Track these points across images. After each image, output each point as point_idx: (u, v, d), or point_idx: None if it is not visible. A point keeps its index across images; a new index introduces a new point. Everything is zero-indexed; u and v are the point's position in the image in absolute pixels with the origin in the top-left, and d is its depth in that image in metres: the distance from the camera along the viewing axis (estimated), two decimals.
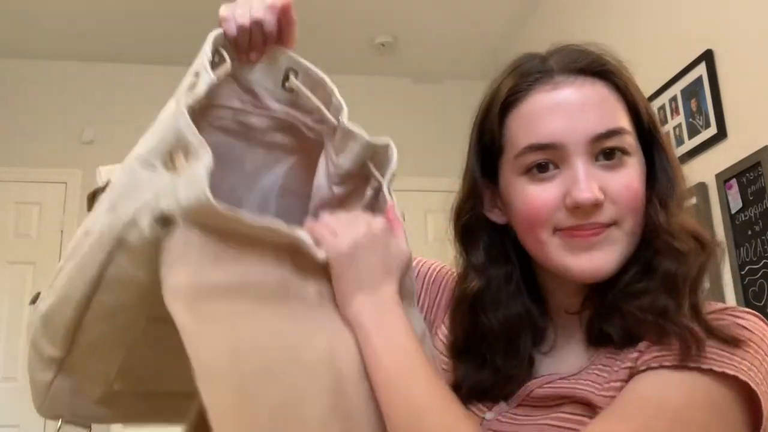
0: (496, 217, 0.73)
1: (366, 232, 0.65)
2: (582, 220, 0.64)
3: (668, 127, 2.48)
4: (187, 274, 0.56)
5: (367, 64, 4.25)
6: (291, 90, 0.72)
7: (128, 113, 4.16)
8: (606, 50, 0.71)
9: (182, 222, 0.58)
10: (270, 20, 0.69)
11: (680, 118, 2.42)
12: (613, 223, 0.64)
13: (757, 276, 1.99)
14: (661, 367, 0.58)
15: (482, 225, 0.74)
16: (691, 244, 0.64)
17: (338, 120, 0.70)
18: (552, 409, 0.65)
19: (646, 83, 2.67)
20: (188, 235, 0.58)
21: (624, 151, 0.65)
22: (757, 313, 0.63)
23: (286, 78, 0.72)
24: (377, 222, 0.67)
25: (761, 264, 1.97)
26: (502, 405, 0.69)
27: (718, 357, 0.57)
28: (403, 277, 0.67)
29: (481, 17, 3.75)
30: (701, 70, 2.29)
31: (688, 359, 0.58)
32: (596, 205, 0.63)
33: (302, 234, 0.62)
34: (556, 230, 0.65)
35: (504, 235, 0.73)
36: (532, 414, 0.66)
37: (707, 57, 2.27)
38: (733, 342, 0.58)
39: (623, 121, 0.66)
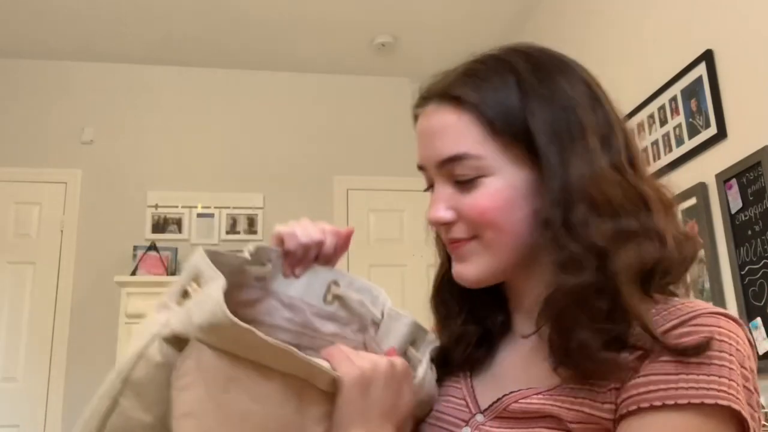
0: None
1: (386, 366, 0.65)
2: (446, 235, 0.72)
3: (668, 127, 2.48)
4: (196, 397, 0.56)
5: (367, 64, 4.25)
6: (332, 301, 0.75)
7: (128, 113, 4.18)
8: (475, 61, 0.72)
9: (194, 342, 0.57)
10: (330, 243, 0.76)
11: (680, 118, 2.41)
12: (473, 237, 0.70)
13: (757, 276, 1.99)
14: (652, 407, 0.57)
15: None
16: (575, 250, 0.63)
17: (384, 307, 0.75)
18: (528, 424, 0.64)
19: (646, 83, 2.67)
20: (200, 355, 0.57)
21: (474, 174, 0.67)
22: (725, 313, 0.62)
23: (328, 290, 0.75)
24: (398, 361, 0.66)
25: (761, 264, 1.97)
26: (479, 417, 0.69)
27: (706, 386, 0.57)
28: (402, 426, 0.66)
29: (481, 18, 3.75)
30: (701, 70, 2.29)
31: (676, 395, 0.57)
32: (446, 224, 0.70)
33: (315, 360, 0.60)
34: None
35: None
36: (508, 427, 0.66)
37: (707, 57, 2.27)
38: (706, 360, 0.57)
39: (467, 146, 0.67)
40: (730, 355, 0.58)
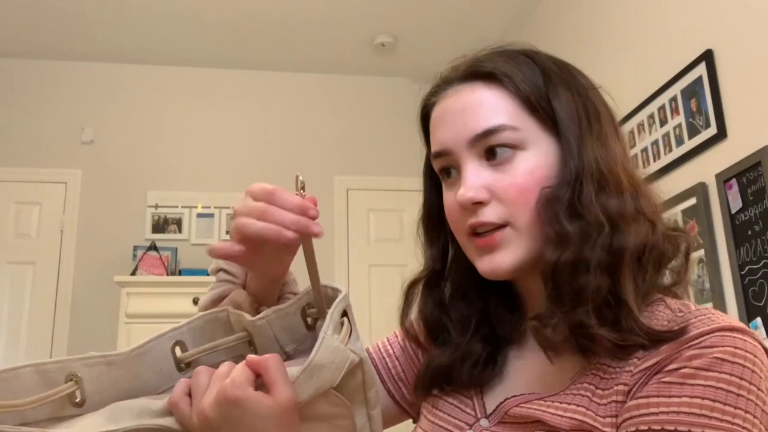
0: None
1: (209, 402, 0.52)
2: (474, 219, 0.66)
3: (668, 127, 2.48)
4: None
5: (367, 64, 4.25)
6: (186, 368, 0.61)
7: (128, 113, 4.18)
8: (512, 47, 0.73)
9: None
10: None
11: (680, 118, 2.41)
12: (506, 225, 0.66)
13: (757, 276, 1.99)
14: (650, 430, 0.56)
15: (436, 224, 0.77)
16: (565, 228, 0.63)
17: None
18: (525, 429, 0.64)
19: (646, 83, 2.67)
20: None
21: (511, 146, 0.66)
22: (742, 329, 0.58)
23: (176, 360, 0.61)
24: (229, 381, 0.52)
25: (761, 264, 1.97)
26: (483, 422, 0.69)
27: (709, 413, 0.54)
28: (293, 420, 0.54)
29: (481, 17, 3.75)
30: (701, 70, 2.29)
31: (677, 420, 0.55)
32: (480, 203, 0.66)
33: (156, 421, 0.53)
34: (468, 235, 0.68)
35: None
36: None
37: (707, 57, 2.27)
38: (713, 384, 0.55)
39: (504, 118, 0.67)
40: (741, 379, 0.55)
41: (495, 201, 0.66)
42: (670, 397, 0.56)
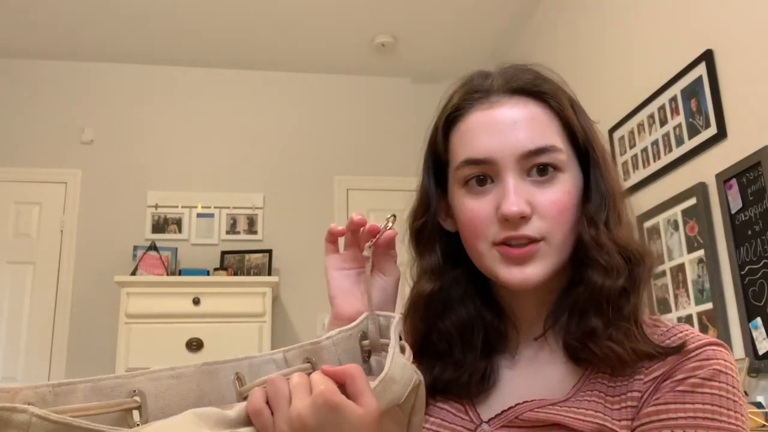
0: (449, 225, 0.77)
1: (305, 407, 0.51)
2: (512, 232, 0.68)
3: (668, 127, 2.48)
4: None
5: (367, 64, 4.25)
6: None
7: (128, 113, 4.18)
8: (545, 71, 0.75)
9: None
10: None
11: (680, 118, 2.41)
12: (542, 239, 0.68)
13: (757, 276, 1.99)
14: None
15: (436, 231, 0.78)
16: (616, 259, 0.68)
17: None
18: None
19: (646, 83, 2.66)
20: None
21: (555, 168, 0.69)
22: (721, 343, 0.67)
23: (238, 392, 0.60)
24: (325, 387, 0.51)
25: (761, 264, 1.97)
26: (485, 427, 0.70)
27: (719, 417, 0.62)
28: None
29: (481, 18, 3.75)
30: (701, 70, 2.29)
31: (695, 423, 0.62)
32: (523, 218, 0.68)
33: None
34: (494, 244, 0.69)
35: (456, 242, 0.76)
36: None
37: (707, 57, 2.27)
38: (717, 392, 0.64)
39: (554, 139, 0.70)
40: (733, 387, 0.65)
41: (535, 216, 0.68)
42: (684, 403, 0.63)
